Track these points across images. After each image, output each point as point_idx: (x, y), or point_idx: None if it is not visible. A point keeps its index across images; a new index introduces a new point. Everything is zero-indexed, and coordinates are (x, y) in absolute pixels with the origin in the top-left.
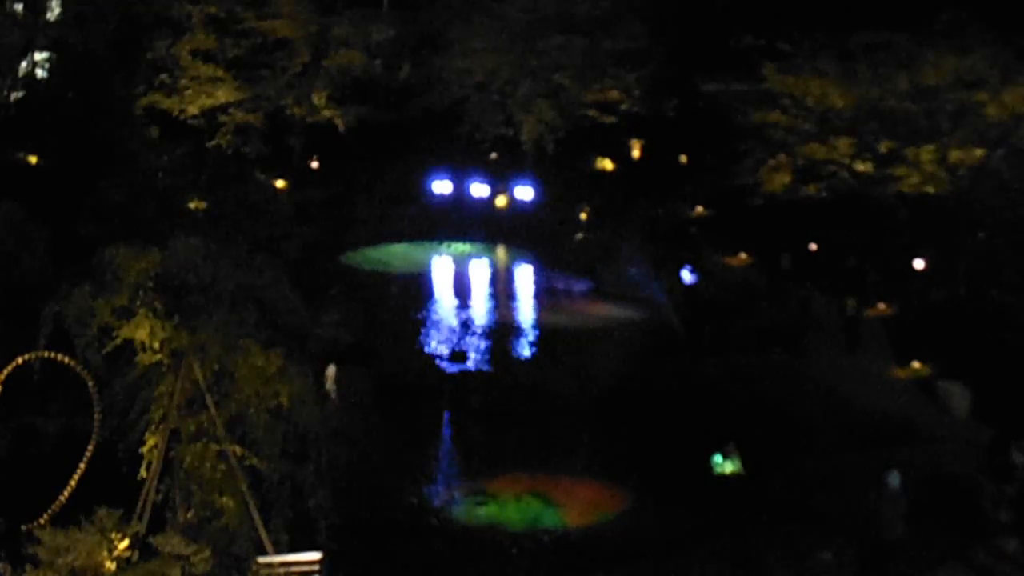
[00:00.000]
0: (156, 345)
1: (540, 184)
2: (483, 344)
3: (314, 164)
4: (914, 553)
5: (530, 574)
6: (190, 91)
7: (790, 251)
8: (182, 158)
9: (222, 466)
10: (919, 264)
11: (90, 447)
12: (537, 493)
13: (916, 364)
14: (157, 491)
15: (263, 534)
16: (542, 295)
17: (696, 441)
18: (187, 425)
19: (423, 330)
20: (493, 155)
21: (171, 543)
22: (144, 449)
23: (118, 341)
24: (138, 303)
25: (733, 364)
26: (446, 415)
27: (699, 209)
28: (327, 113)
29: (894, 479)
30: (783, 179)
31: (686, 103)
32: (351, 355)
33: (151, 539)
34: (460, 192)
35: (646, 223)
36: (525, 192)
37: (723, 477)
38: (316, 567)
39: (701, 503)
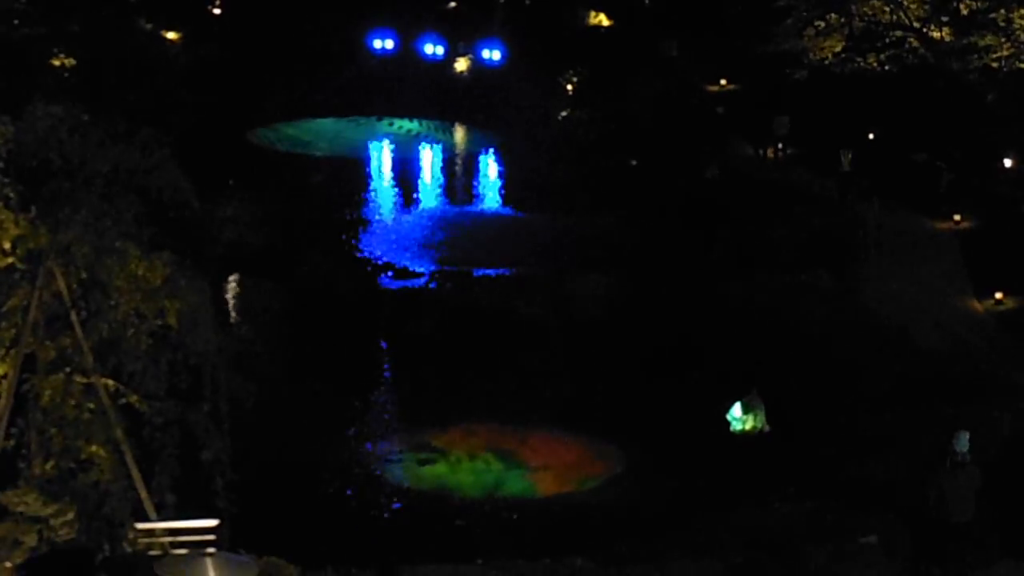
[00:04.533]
0: (6, 245)
1: (513, 44)
2: (433, 253)
3: (216, 10)
4: (987, 541)
5: (486, 554)
6: None
7: (841, 141)
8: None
9: (90, 404)
10: (1008, 162)
11: None
12: (499, 450)
13: (999, 295)
14: (7, 434)
15: (143, 493)
16: (513, 189)
17: (708, 387)
18: (46, 350)
19: (356, 233)
20: (451, 3)
21: (25, 501)
22: None
23: None
24: None
25: (760, 287)
26: (383, 345)
27: (723, 82)
28: None
29: (964, 443)
30: (834, 45)
31: None
32: (260, 263)
33: (0, 496)
34: (407, 52)
35: (653, 98)
36: (493, 54)
37: (742, 435)
38: (211, 536)
39: (713, 468)
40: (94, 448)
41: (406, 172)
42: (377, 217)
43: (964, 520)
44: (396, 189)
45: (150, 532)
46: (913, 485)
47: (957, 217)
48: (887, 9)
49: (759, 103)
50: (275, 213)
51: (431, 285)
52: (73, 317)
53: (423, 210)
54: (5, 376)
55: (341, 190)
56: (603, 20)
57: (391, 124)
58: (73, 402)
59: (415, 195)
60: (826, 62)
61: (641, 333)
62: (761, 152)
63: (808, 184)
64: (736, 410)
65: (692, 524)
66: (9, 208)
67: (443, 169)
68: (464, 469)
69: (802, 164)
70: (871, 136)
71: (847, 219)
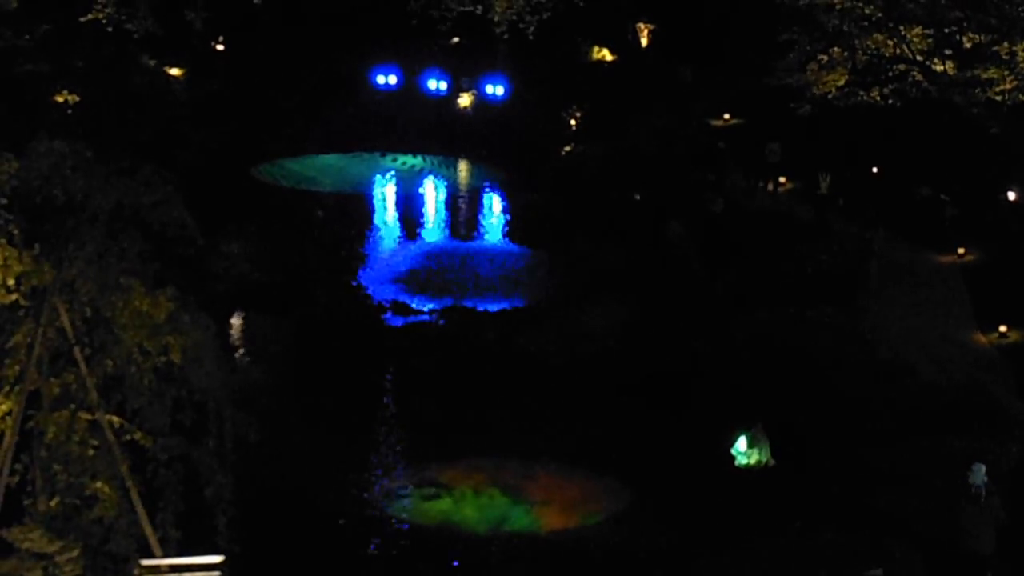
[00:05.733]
0: (11, 282)
1: (516, 80)
2: (437, 288)
3: (219, 47)
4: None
5: None
6: None
7: (845, 175)
8: (47, 37)
9: (95, 441)
10: (1012, 196)
11: None
12: (504, 486)
13: (1004, 328)
14: (12, 471)
15: (147, 530)
16: (516, 224)
17: (713, 422)
18: (50, 387)
19: (360, 268)
20: (455, 39)
21: (30, 538)
22: None
23: None
24: None
25: (766, 322)
26: (388, 381)
27: (727, 117)
28: None
29: (981, 475)
30: (837, 79)
31: None
32: (264, 299)
33: (5, 532)
34: (410, 87)
35: (657, 133)
36: (496, 89)
37: (747, 469)
38: (215, 572)
39: (717, 503)
40: (99, 484)
41: (410, 207)
42: (381, 252)
43: (984, 553)
44: (400, 224)
45: (155, 568)
46: (921, 517)
47: (961, 250)
48: (890, 42)
49: (760, 136)
50: (279, 249)
51: (436, 320)
52: (77, 354)
53: (427, 245)
54: (10, 413)
55: (345, 226)
56: (606, 55)
57: (395, 160)
58: (77, 439)
59: (419, 230)
60: (829, 96)
61: (645, 367)
62: (759, 183)
63: (807, 216)
64: (741, 444)
65: (697, 559)
66: (13, 244)
67: (447, 204)
68: (469, 504)
69: (801, 197)
70: (874, 169)
71: (853, 253)
